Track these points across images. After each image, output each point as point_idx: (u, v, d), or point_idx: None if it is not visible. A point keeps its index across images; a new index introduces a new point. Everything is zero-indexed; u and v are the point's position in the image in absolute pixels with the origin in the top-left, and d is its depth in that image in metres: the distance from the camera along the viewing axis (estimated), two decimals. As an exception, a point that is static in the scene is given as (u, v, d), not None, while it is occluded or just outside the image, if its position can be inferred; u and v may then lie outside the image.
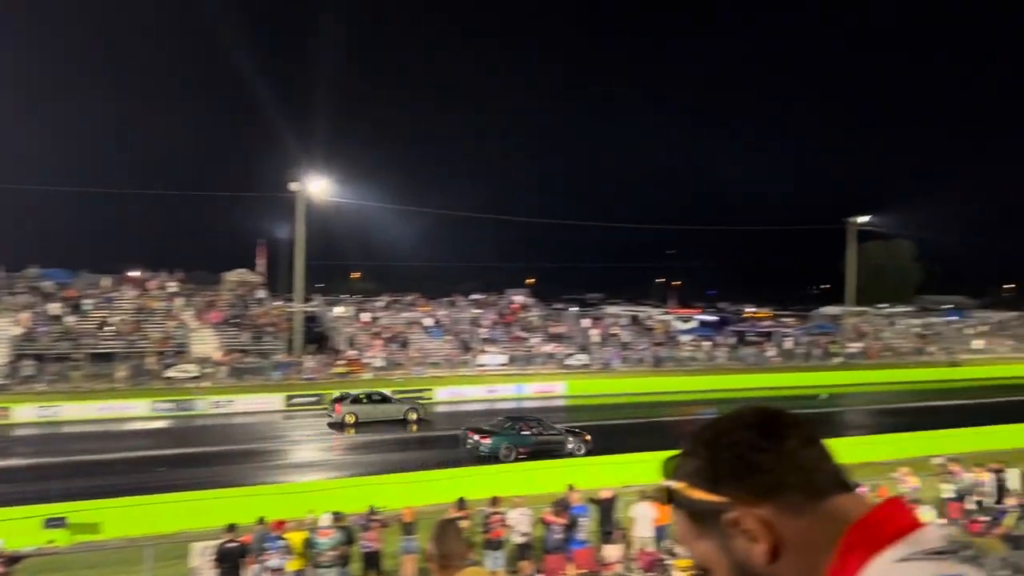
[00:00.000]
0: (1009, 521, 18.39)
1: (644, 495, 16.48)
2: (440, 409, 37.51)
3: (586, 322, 55.17)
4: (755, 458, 1.08)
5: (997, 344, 61.05)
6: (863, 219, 62.73)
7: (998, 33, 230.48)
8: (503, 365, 46.25)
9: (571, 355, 48.82)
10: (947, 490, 19.01)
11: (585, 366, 48.22)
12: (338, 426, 31.92)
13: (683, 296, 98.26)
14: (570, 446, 26.88)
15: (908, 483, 18.88)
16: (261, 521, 14.50)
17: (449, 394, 38.99)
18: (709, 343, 54.59)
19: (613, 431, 31.60)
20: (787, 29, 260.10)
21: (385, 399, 33.51)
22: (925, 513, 17.74)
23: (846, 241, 62.33)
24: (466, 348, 47.55)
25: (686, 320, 64.12)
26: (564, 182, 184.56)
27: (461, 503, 15.37)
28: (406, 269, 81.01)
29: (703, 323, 63.55)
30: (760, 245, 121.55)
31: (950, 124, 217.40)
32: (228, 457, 26.50)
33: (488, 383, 40.95)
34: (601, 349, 50.68)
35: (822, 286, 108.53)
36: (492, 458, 25.12)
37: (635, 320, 59.41)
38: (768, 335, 59.50)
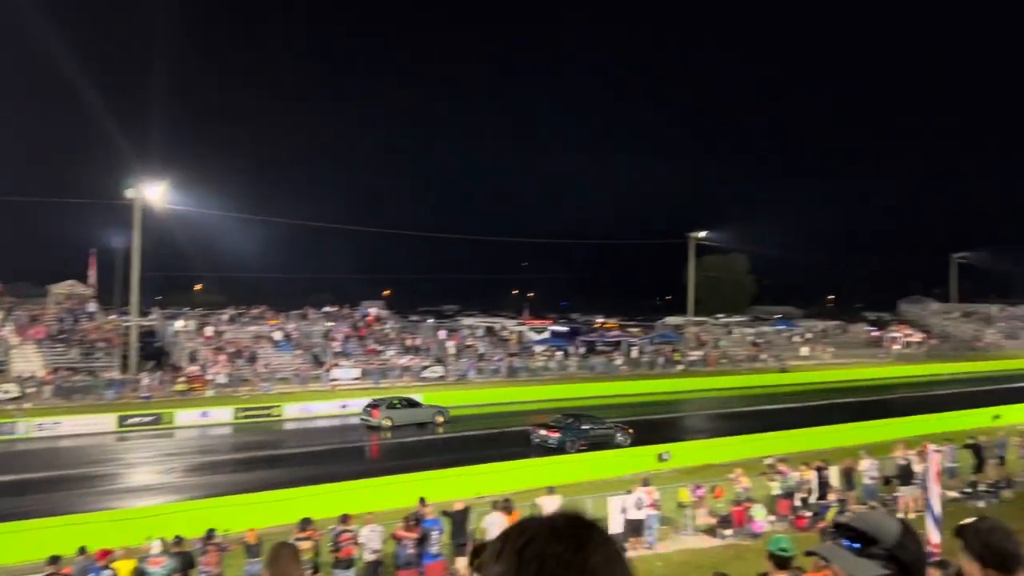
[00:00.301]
0: (831, 515, 19.92)
1: (495, 505, 16.62)
2: (289, 426, 36.28)
3: (442, 334, 55.12)
4: (558, 574, 1.08)
5: (821, 351, 66.15)
6: (702, 234, 66.43)
7: (830, 59, 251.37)
8: (356, 379, 45.33)
9: (427, 367, 48.57)
10: (775, 488, 20.35)
11: (441, 378, 48.09)
12: (375, 429, 34.10)
13: (537, 307, 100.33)
14: (619, 438, 29.78)
15: (742, 483, 20.05)
16: (83, 551, 13.45)
17: (299, 410, 37.72)
18: (561, 353, 55.86)
19: (467, 442, 31.73)
20: (628, 46, 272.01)
21: (414, 404, 36.14)
22: (758, 510, 18.94)
23: (687, 255, 65.72)
24: (318, 362, 46.28)
25: (539, 331, 65.44)
26: (421, 192, 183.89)
27: (305, 523, 14.87)
28: (254, 280, 78.10)
29: (555, 334, 65.04)
30: (609, 258, 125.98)
31: (783, 146, 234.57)
32: (52, 484, 24.43)
33: (341, 398, 39.92)
34: (457, 361, 50.75)
35: (666, 297, 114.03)
36: (558, 449, 27.87)
37: (490, 331, 59.99)
38: (616, 345, 61.67)
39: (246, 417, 36.20)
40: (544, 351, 56.35)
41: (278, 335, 48.58)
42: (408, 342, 51.68)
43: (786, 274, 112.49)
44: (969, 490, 22.05)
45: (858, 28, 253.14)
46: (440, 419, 36.04)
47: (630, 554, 17.62)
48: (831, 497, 20.60)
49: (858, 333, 76.82)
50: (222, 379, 41.92)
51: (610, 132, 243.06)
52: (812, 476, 20.84)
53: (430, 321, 62.50)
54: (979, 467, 23.66)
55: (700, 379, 52.11)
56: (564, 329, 68.42)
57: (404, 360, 48.49)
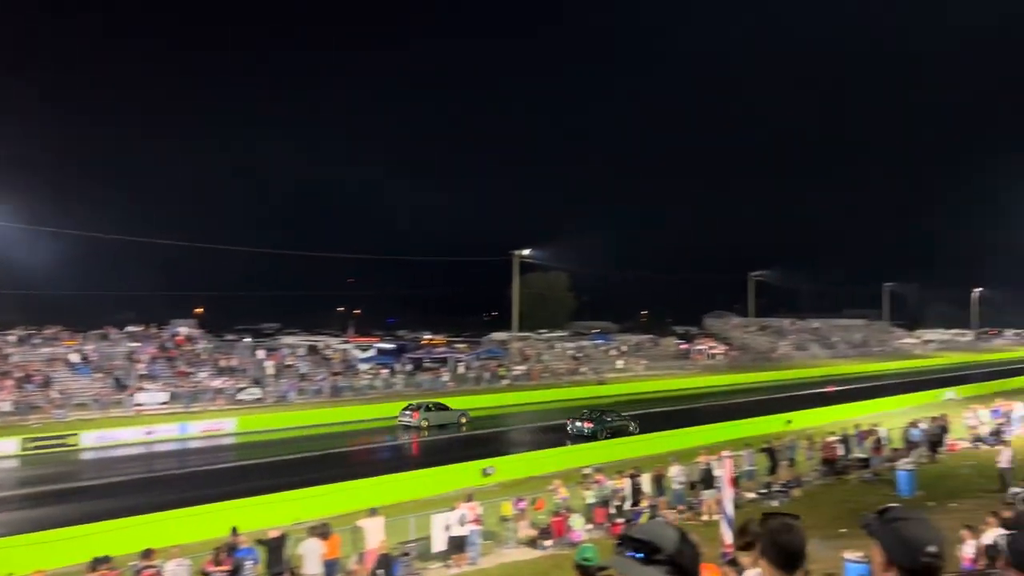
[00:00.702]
0: (643, 520, 20.90)
1: (312, 531, 16.06)
2: (87, 456, 33.23)
3: (261, 354, 52.79)
4: None
5: (634, 363, 69.70)
6: (526, 252, 68.15)
7: (641, 91, 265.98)
8: (164, 403, 42.35)
9: (243, 389, 46.27)
10: (590, 497, 21.08)
11: (259, 400, 46.01)
12: (414, 429, 39.64)
13: (364, 325, 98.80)
14: (631, 428, 37.07)
15: (560, 494, 20.61)
16: None
17: (98, 439, 34.59)
18: (387, 371, 55.21)
19: (285, 467, 30.46)
20: (453, 65, 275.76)
21: (445, 408, 41.82)
22: (576, 520, 19.48)
23: (512, 272, 67.17)
24: (120, 386, 42.85)
25: (365, 349, 64.34)
26: (239, 204, 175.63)
27: (98, 562, 13.63)
28: (47, 298, 71.21)
29: (381, 351, 64.23)
30: (437, 275, 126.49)
31: (601, 169, 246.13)
32: None
33: (146, 424, 37.16)
34: (277, 382, 48.80)
35: (492, 313, 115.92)
36: (591, 436, 35.10)
37: (313, 350, 58.25)
38: (443, 361, 61.80)
39: (36, 448, 32.83)
40: (369, 369, 55.47)
41: (75, 357, 44.59)
42: (222, 363, 49.05)
43: (603, 291, 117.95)
44: (764, 491, 23.91)
45: (653, 52, 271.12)
46: (463, 420, 41.71)
47: (453, 572, 17.65)
48: (643, 503, 21.65)
49: (668, 346, 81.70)
50: (7, 407, 37.84)
51: (437, 150, 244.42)
52: (626, 483, 21.80)
53: (247, 340, 59.70)
54: (773, 469, 25.76)
55: (524, 393, 53.27)
56: (390, 346, 67.76)
57: (218, 382, 45.95)
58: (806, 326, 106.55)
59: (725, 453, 19.78)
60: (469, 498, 19.24)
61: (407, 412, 40.24)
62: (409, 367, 57.56)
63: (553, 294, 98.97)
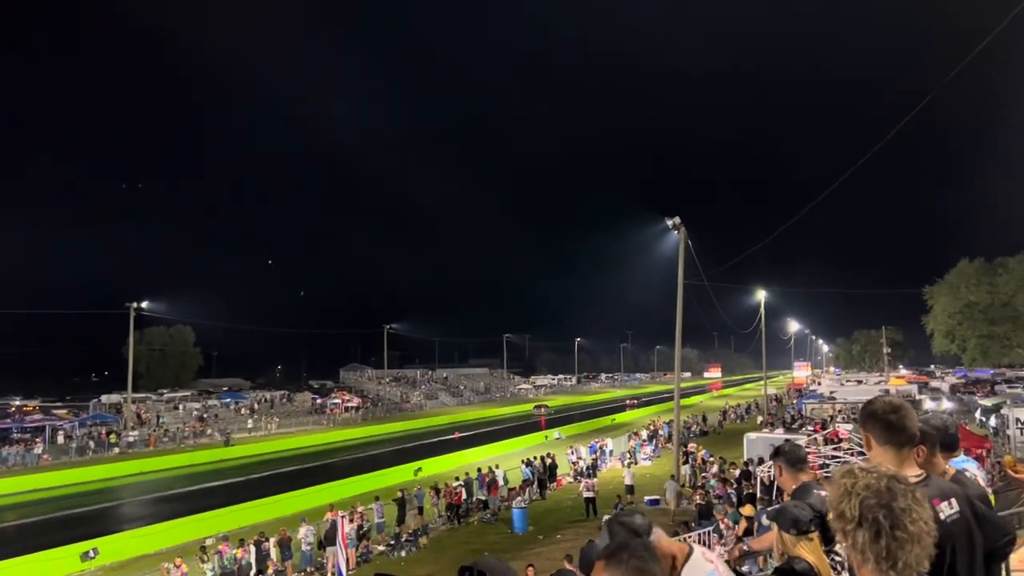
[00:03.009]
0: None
1: None
2: None
3: None
4: None
5: (267, 421, 66.86)
6: (144, 305, 62.23)
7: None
8: None
9: None
10: (208, 571, 19.54)
11: None
12: (539, 416, 73.33)
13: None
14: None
15: (179, 572, 18.80)
16: None
17: None
18: (-41, 447, 46.08)
19: None
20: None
21: (547, 405, 79.87)
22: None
23: (128, 327, 60.76)
24: None
25: (-72, 421, 53.06)
26: None
27: None
28: None
29: (-49, 423, 53.43)
30: (31, 331, 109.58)
31: (231, 219, 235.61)
32: None
33: None
34: None
35: (103, 373, 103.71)
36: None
37: None
38: (38, 430, 53.30)
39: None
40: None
41: None
42: None
43: (234, 346, 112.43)
44: (393, 542, 24.21)
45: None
46: (551, 410, 78.11)
47: None
48: (270, 570, 20.63)
49: (304, 401, 80.00)
50: None
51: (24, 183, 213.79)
52: (249, 551, 20.61)
53: None
54: (402, 519, 26.23)
55: (140, 461, 48.00)
56: (-37, 417, 56.66)
57: None
58: (437, 376, 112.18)
59: (340, 512, 19.78)
60: (61, 590, 16.66)
61: (539, 409, 76.78)
62: (-9, 440, 48.72)
63: (176, 350, 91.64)
